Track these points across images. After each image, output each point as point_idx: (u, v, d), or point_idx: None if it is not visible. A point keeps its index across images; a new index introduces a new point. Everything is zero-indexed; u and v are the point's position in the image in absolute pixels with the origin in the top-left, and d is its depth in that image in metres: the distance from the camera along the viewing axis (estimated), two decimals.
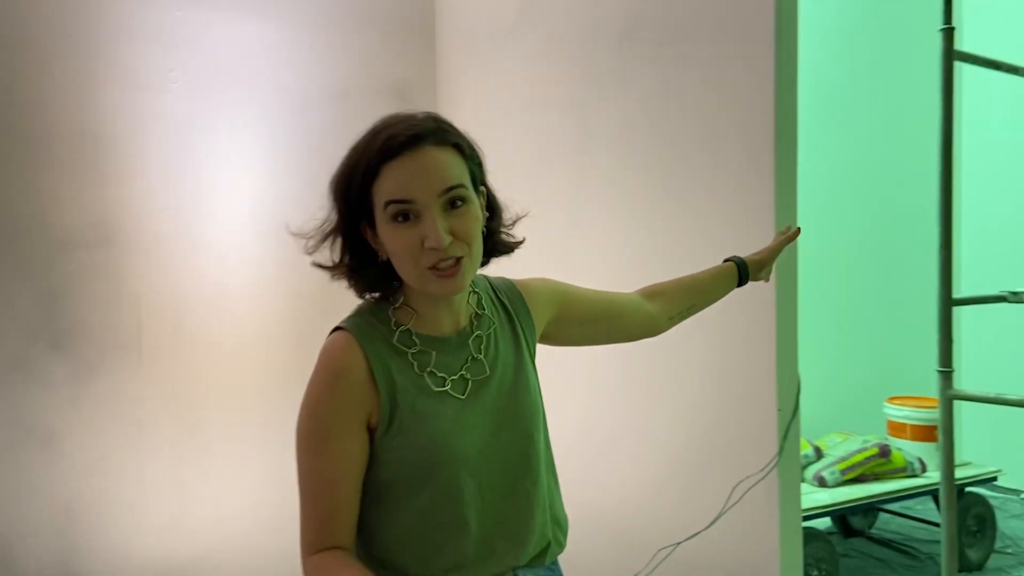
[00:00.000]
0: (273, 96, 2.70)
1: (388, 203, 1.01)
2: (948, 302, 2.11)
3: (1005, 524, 3.93)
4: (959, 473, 3.40)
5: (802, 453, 3.27)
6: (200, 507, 2.60)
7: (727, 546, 2.04)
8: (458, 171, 1.04)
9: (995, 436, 4.54)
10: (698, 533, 2.01)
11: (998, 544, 3.58)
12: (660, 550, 2.05)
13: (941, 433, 2.16)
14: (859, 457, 3.24)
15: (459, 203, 1.03)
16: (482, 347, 1.14)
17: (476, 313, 1.16)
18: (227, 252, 2.63)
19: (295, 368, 2.69)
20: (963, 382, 4.69)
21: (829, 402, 3.94)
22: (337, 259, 1.11)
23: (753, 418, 2.00)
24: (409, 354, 1.08)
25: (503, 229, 1.17)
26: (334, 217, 1.09)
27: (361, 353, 1.06)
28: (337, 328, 1.10)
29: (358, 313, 1.12)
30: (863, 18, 4.18)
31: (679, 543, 2.03)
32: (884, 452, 3.27)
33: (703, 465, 2.10)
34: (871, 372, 3.92)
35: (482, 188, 1.12)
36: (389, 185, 1.01)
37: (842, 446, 3.34)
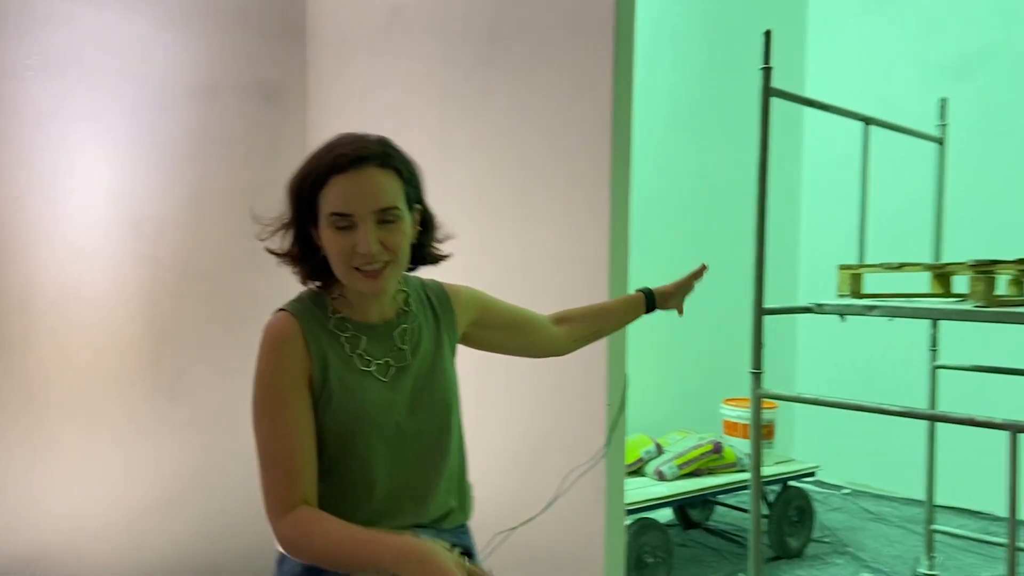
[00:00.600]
0: (135, 89, 2.69)
1: (331, 213, 1.20)
2: (760, 311, 2.37)
3: (826, 516, 4.33)
4: (782, 468, 3.75)
5: (644, 449, 3.55)
6: (52, 501, 2.57)
7: (559, 530, 2.21)
8: (394, 193, 1.23)
9: (823, 436, 4.99)
10: (532, 519, 2.17)
11: (816, 534, 3.96)
12: (497, 534, 2.20)
13: (752, 427, 2.42)
14: (695, 453, 3.51)
15: (391, 220, 1.22)
16: (406, 338, 1.33)
17: (403, 309, 1.35)
18: (82, 244, 2.60)
19: (152, 360, 2.73)
20: (800, 385, 5.14)
21: (673, 403, 4.24)
22: (286, 248, 1.29)
23: (585, 413, 2.18)
24: (342, 337, 1.27)
25: (433, 243, 1.38)
26: (288, 213, 1.26)
27: (299, 328, 1.24)
28: (279, 310, 1.27)
29: (298, 299, 1.30)
30: (697, 52, 4.54)
31: (515, 528, 2.18)
32: (717, 449, 3.56)
33: (539, 456, 2.27)
34: (710, 376, 4.23)
35: (418, 206, 1.31)
36: (333, 197, 1.20)
37: (681, 443, 3.61)
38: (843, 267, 2.52)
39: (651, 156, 4.22)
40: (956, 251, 3.37)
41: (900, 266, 2.44)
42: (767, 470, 3.68)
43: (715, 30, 4.59)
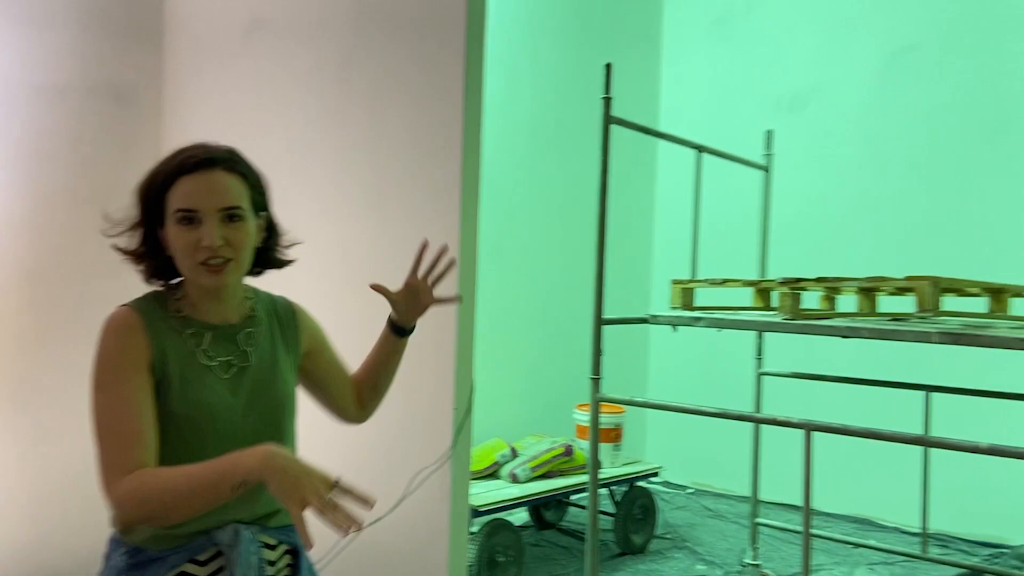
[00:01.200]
0: None
1: (178, 210, 1.27)
2: (599, 321, 2.56)
3: (670, 514, 4.63)
4: (628, 469, 3.99)
5: (500, 453, 3.69)
6: None
7: (405, 531, 2.30)
8: (238, 194, 1.31)
9: (671, 439, 5.31)
10: (379, 520, 2.25)
11: (660, 531, 4.23)
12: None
13: (591, 429, 2.60)
14: (547, 456, 3.68)
15: (235, 219, 1.30)
16: (250, 341, 1.40)
17: (250, 315, 1.43)
18: None
19: None
20: (651, 391, 5.44)
21: (529, 409, 4.42)
22: (133, 248, 1.34)
23: (432, 416, 2.28)
24: (185, 333, 1.33)
25: (278, 249, 1.46)
26: (136, 214, 1.33)
27: (140, 320, 1.29)
28: (120, 306, 1.32)
29: (142, 297, 1.35)
30: (557, 75, 4.79)
31: (362, 528, 2.25)
32: (568, 451, 3.75)
33: (387, 458, 2.35)
34: (565, 382, 4.44)
35: (263, 213, 1.39)
36: (181, 195, 1.27)
37: (535, 447, 3.78)
38: (675, 282, 2.75)
39: (511, 170, 4.40)
40: (784, 268, 3.74)
41: (723, 282, 2.69)
42: (614, 471, 3.91)
43: (575, 55, 4.84)
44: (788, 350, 4.18)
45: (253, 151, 1.46)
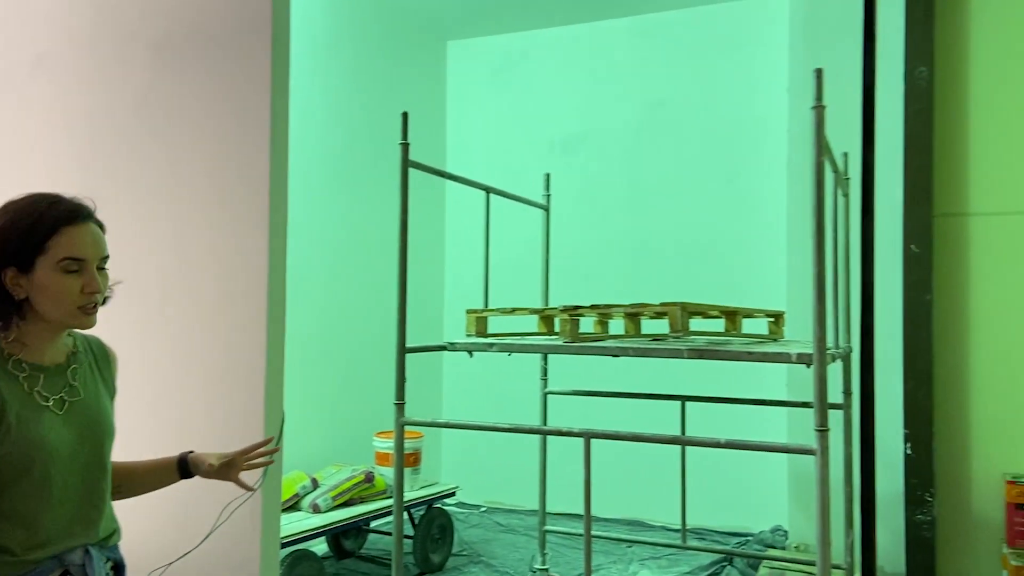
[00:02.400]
0: None
1: (65, 258, 1.40)
2: (402, 350, 2.74)
3: (466, 532, 4.86)
4: (426, 491, 4.18)
5: (300, 485, 3.73)
6: None
7: (216, 564, 2.33)
8: (105, 246, 1.49)
9: (466, 461, 5.57)
10: (188, 553, 2.27)
11: (456, 548, 4.44)
12: (154, 571, 2.26)
13: (395, 452, 2.76)
14: (348, 484, 3.78)
15: (104, 267, 1.48)
16: (77, 376, 1.51)
17: (73, 352, 1.53)
18: None
19: None
20: (445, 415, 5.67)
21: (329, 439, 4.48)
22: None
23: (243, 446, 2.34)
24: (19, 376, 1.40)
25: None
26: None
27: None
28: None
29: None
30: (351, 117, 4.98)
31: (171, 563, 2.26)
32: (369, 478, 3.87)
33: (197, 490, 2.37)
34: (364, 411, 4.57)
35: None
36: (67, 243, 1.40)
37: (335, 476, 3.85)
38: (470, 311, 3.00)
39: (309, 206, 4.48)
40: (565, 296, 4.14)
41: (513, 310, 2.98)
42: (412, 494, 4.08)
43: (367, 99, 5.02)
44: (570, 370, 4.60)
45: (45, 188, 1.51)
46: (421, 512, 4.15)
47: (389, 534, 4.29)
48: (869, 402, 2.20)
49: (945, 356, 3.95)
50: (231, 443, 2.36)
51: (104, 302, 1.52)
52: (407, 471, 4.11)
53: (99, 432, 1.51)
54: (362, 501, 3.84)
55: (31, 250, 1.38)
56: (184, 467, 1.71)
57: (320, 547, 4.19)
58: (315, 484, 3.79)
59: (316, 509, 3.65)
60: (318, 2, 4.60)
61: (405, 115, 2.69)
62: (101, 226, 1.50)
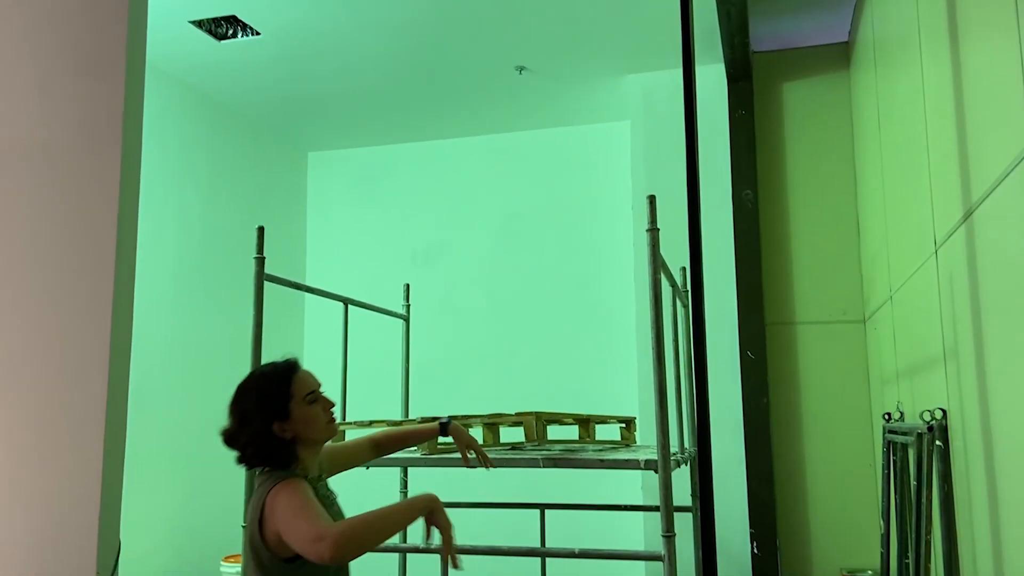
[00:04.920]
0: None
1: (308, 394, 1.85)
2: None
3: None
4: None
5: None
6: None
7: None
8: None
9: None
10: None
11: None
12: None
13: None
14: None
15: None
16: (325, 483, 1.97)
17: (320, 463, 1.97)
18: None
19: None
20: None
21: (171, 566, 4.17)
22: (259, 450, 1.80)
23: None
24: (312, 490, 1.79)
25: None
26: (254, 422, 1.80)
27: (303, 483, 1.76)
28: (280, 479, 1.75)
29: (286, 472, 1.79)
30: (203, 229, 4.92)
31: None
32: None
33: None
34: (211, 536, 4.30)
35: None
36: (304, 385, 1.85)
37: None
38: None
39: (154, 318, 4.31)
40: (424, 406, 4.14)
41: (370, 423, 2.96)
42: None
43: (222, 206, 4.97)
44: (430, 481, 4.53)
45: None
46: None
47: None
48: (708, 504, 2.31)
49: (783, 457, 4.22)
50: (58, 570, 2.17)
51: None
52: None
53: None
54: None
55: (283, 401, 1.80)
56: (444, 430, 2.29)
57: None
58: None
59: None
60: (172, 113, 4.57)
61: (261, 229, 2.70)
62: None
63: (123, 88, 2.44)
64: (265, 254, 2.73)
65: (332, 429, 1.90)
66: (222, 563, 3.99)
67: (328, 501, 1.91)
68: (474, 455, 2.32)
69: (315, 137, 5.70)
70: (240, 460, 1.84)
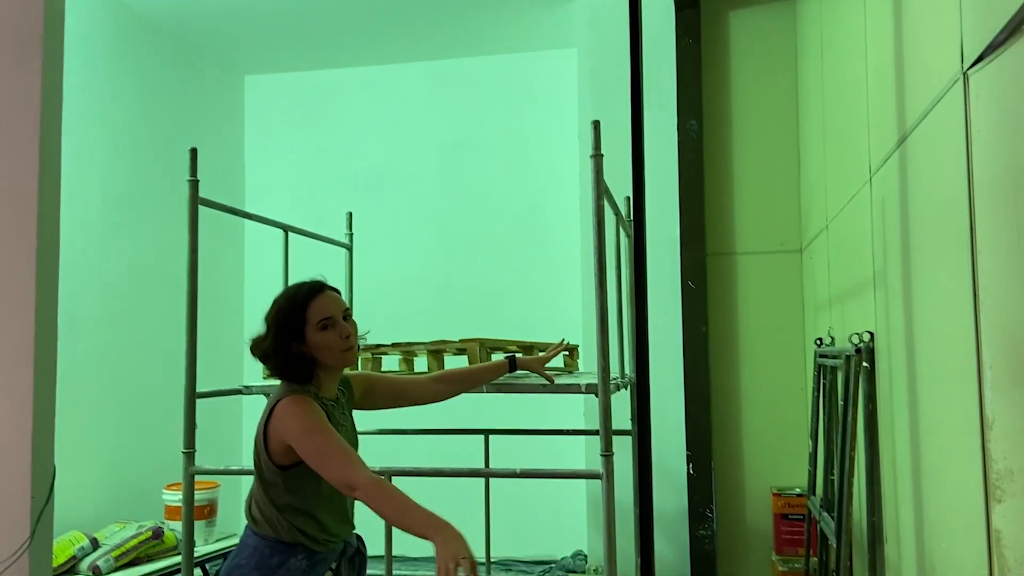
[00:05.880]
0: None
1: (321, 320, 1.90)
2: (192, 395, 2.61)
3: None
4: (222, 544, 3.97)
5: (78, 547, 3.42)
6: None
7: None
8: (344, 302, 2.00)
9: None
10: None
11: None
12: None
13: (184, 504, 2.62)
14: (133, 542, 3.51)
15: (348, 317, 1.98)
16: (343, 408, 2.05)
17: (340, 388, 2.06)
18: None
19: None
20: (246, 461, 5.41)
21: (111, 495, 4.14)
22: (278, 362, 1.93)
23: (7, 505, 2.13)
24: (324, 411, 1.90)
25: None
26: (275, 337, 1.92)
27: (312, 400, 1.89)
28: (291, 392, 1.89)
29: (300, 388, 1.92)
30: (135, 151, 4.74)
31: None
32: (157, 534, 3.61)
33: None
34: (150, 463, 4.26)
35: None
36: (319, 310, 1.91)
37: (119, 534, 3.57)
38: None
39: (85, 245, 4.17)
40: (369, 335, 4.12)
41: None
42: (207, 548, 3.86)
43: (154, 130, 4.78)
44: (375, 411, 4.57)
45: None
46: (217, 567, 3.93)
47: None
48: (645, 426, 2.38)
49: (720, 382, 4.35)
50: None
51: (360, 346, 2.05)
52: (201, 524, 3.89)
53: (354, 444, 2.05)
54: (149, 560, 3.58)
55: (300, 322, 1.89)
56: (513, 366, 2.38)
57: None
58: (95, 544, 3.49)
59: (96, 572, 3.36)
60: (99, 30, 4.34)
61: (194, 151, 2.61)
62: (335, 290, 2.00)
63: (41, 1, 2.30)
64: (200, 178, 2.64)
65: (347, 357, 1.94)
66: (164, 491, 3.98)
67: (340, 427, 1.96)
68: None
69: (252, 60, 5.49)
70: (272, 373, 1.96)
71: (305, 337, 1.90)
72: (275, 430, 1.86)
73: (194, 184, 2.60)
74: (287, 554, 1.87)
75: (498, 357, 3.12)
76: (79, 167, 4.16)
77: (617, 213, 3.14)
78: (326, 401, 1.95)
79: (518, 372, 2.99)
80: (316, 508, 1.90)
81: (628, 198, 3.53)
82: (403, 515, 1.76)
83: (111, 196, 4.40)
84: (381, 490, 1.75)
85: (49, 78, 2.26)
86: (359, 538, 2.11)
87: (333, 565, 2.01)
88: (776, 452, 4.26)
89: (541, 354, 2.52)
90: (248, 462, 5.54)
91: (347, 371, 2.18)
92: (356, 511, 2.09)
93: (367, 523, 2.17)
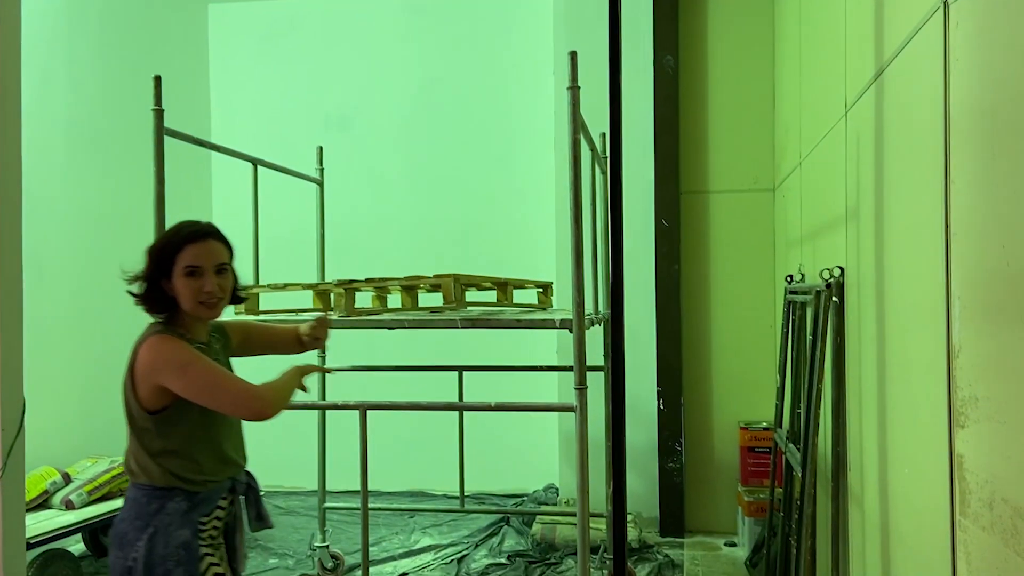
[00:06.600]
0: None
1: (186, 266, 1.87)
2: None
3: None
4: None
5: (50, 481, 3.42)
6: None
7: None
8: (225, 256, 1.96)
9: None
10: None
11: None
12: None
13: None
14: (106, 476, 3.51)
15: (223, 271, 1.94)
16: (215, 353, 2.01)
17: (212, 335, 2.04)
18: None
19: None
20: None
21: (83, 430, 4.13)
22: (143, 294, 1.90)
23: None
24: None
25: (239, 291, 2.06)
26: (147, 270, 1.89)
27: (175, 337, 1.86)
28: (155, 332, 1.86)
29: (162, 327, 1.89)
30: (98, 82, 4.59)
31: None
32: None
33: None
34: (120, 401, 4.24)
35: (233, 268, 2.01)
36: (188, 257, 1.87)
37: (91, 469, 3.57)
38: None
39: (48, 178, 4.06)
40: (340, 272, 4.09)
41: (285, 286, 2.91)
42: None
43: (117, 62, 4.62)
44: (349, 347, 4.57)
45: None
46: None
47: None
48: (619, 362, 2.40)
49: (691, 320, 4.40)
50: None
51: (238, 301, 2.06)
52: None
53: None
54: (122, 494, 3.57)
55: (170, 263, 1.86)
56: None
57: (77, 546, 3.87)
58: (67, 479, 3.49)
59: (69, 505, 3.36)
60: None
61: (158, 78, 2.53)
62: (224, 241, 1.96)
63: None
64: (165, 110, 2.57)
65: (201, 310, 1.88)
66: None
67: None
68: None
69: None
70: (136, 300, 1.92)
71: (172, 279, 1.88)
72: (143, 373, 1.82)
73: (159, 114, 2.53)
74: (164, 499, 1.82)
75: (473, 297, 3.12)
76: (41, 99, 4.02)
77: (593, 149, 3.12)
78: (194, 342, 1.92)
79: (491, 308, 3.01)
80: (191, 449, 1.86)
81: (604, 134, 3.50)
82: (290, 386, 1.96)
83: (75, 128, 4.27)
84: (272, 389, 1.86)
85: (6, 6, 2.15)
86: (249, 474, 2.05)
87: (223, 503, 1.93)
88: (744, 388, 4.35)
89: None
90: None
91: (225, 319, 2.18)
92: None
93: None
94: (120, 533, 1.84)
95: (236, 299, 2.08)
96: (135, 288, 1.91)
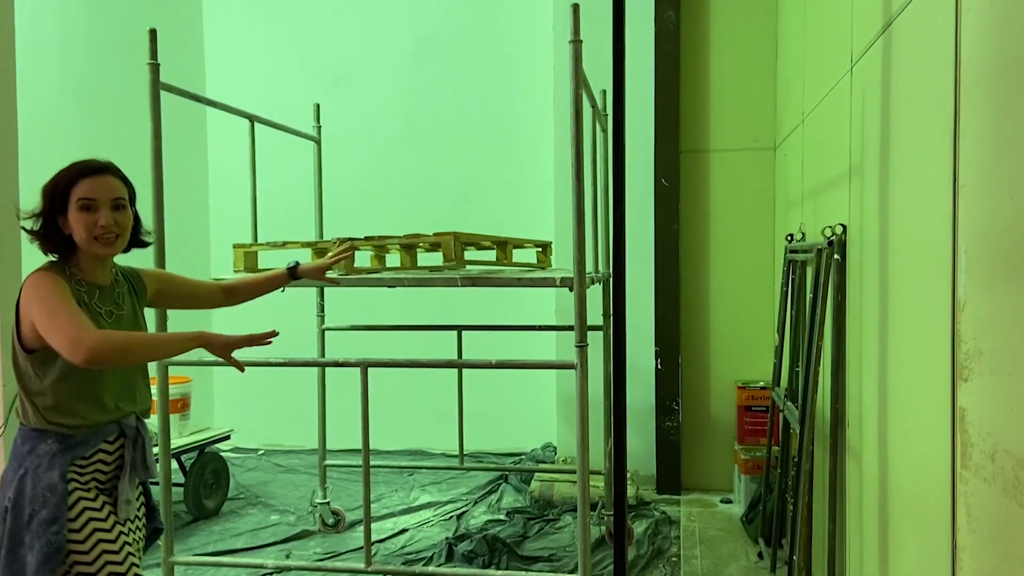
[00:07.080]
0: None
1: (80, 199, 1.81)
2: None
3: (243, 476, 4.73)
4: (196, 437, 4.01)
5: None
6: None
7: None
8: (122, 191, 1.88)
9: (241, 405, 5.39)
10: None
11: (233, 493, 4.33)
12: None
13: (159, 396, 2.62)
14: None
15: (120, 207, 1.87)
16: (119, 297, 1.95)
17: (116, 279, 1.95)
18: None
19: None
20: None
21: None
22: (37, 230, 1.84)
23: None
24: (80, 290, 1.84)
25: (141, 234, 2.00)
26: (41, 205, 1.83)
27: (59, 278, 1.79)
28: (39, 269, 1.80)
29: (50, 265, 1.84)
30: (90, 35, 4.51)
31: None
32: None
33: None
34: None
35: (134, 210, 1.94)
36: (82, 190, 1.81)
37: None
38: (237, 245, 2.87)
39: (43, 134, 4.02)
40: (339, 230, 4.06)
41: (284, 244, 2.89)
42: (181, 440, 3.90)
43: (108, 14, 4.54)
44: (348, 306, 4.57)
45: None
46: (192, 459, 3.98)
47: (156, 483, 4.07)
48: (620, 320, 2.40)
49: (690, 280, 4.40)
50: None
51: (142, 243, 1.99)
52: (175, 417, 3.91)
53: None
54: None
55: (65, 198, 1.81)
56: (294, 275, 2.34)
57: None
58: None
59: None
60: None
61: (153, 31, 2.48)
62: (122, 178, 1.89)
63: None
64: (160, 63, 2.52)
65: (96, 246, 1.82)
66: None
67: (104, 313, 1.87)
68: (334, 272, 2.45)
69: None
70: (30, 237, 1.86)
71: (67, 214, 1.81)
72: (22, 310, 1.79)
73: (154, 68, 2.49)
74: (37, 440, 1.79)
75: (472, 256, 3.10)
76: (33, 55, 3.95)
77: (594, 105, 3.08)
78: (89, 283, 1.87)
79: (490, 268, 2.99)
80: (64, 392, 1.80)
81: (604, 92, 3.46)
82: (159, 347, 1.82)
83: (69, 87, 4.21)
84: (112, 338, 1.69)
85: None
86: (139, 419, 1.97)
87: (107, 447, 1.87)
88: (743, 349, 4.36)
89: (320, 261, 2.41)
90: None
91: (148, 267, 2.15)
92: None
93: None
94: (3, 475, 1.84)
95: (139, 243, 2.00)
96: (28, 224, 1.84)
